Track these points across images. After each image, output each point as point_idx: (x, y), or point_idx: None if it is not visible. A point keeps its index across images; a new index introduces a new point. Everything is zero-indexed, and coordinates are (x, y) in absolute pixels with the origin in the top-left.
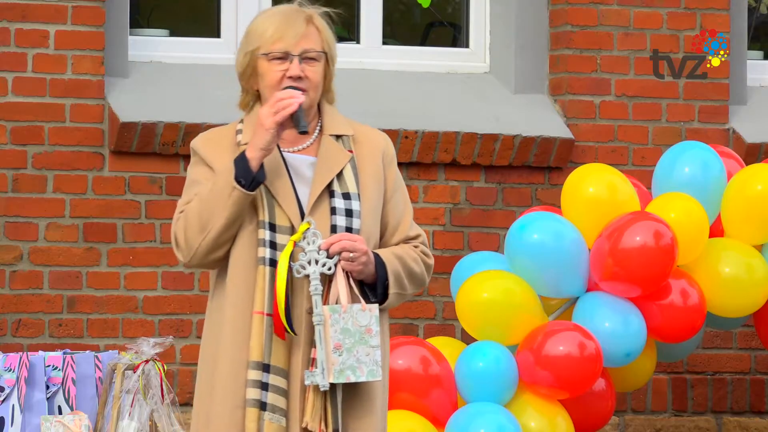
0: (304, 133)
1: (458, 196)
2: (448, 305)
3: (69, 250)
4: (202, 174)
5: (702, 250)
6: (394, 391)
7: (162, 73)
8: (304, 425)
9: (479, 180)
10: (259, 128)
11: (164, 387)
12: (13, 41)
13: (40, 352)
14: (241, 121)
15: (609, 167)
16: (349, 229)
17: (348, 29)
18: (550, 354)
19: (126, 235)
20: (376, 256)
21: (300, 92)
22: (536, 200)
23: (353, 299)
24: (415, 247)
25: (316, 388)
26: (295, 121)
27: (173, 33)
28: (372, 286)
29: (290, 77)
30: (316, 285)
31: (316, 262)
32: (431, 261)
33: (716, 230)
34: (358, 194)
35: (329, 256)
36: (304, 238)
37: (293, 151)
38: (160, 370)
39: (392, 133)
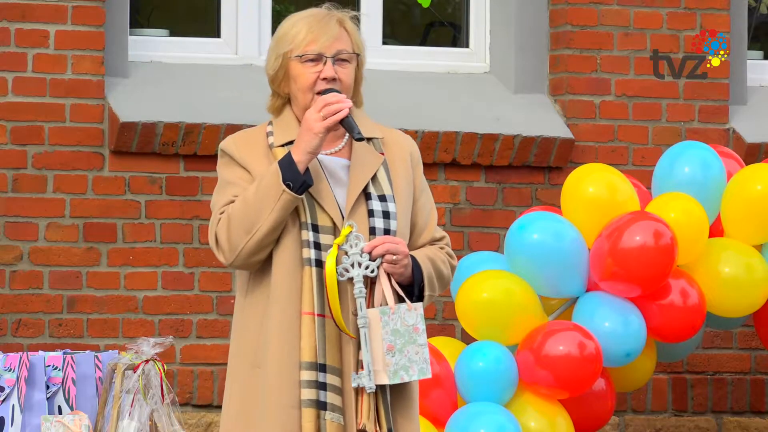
0: (360, 139)
1: (458, 196)
2: (448, 305)
3: (69, 250)
4: (237, 175)
5: (702, 250)
6: None
7: (162, 73)
8: (361, 427)
9: (479, 180)
10: (307, 132)
11: (164, 387)
12: (13, 41)
13: (40, 352)
14: (270, 123)
15: (609, 167)
16: (387, 231)
17: None
18: (550, 354)
19: (126, 235)
20: (412, 258)
21: (344, 96)
22: (536, 200)
23: (398, 300)
24: (441, 248)
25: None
26: (348, 128)
27: (173, 33)
28: (407, 288)
29: (324, 79)
30: (360, 288)
31: (359, 264)
32: (456, 263)
33: (716, 230)
34: (393, 196)
35: (372, 259)
36: (347, 241)
37: (327, 154)
38: (160, 370)
39: None
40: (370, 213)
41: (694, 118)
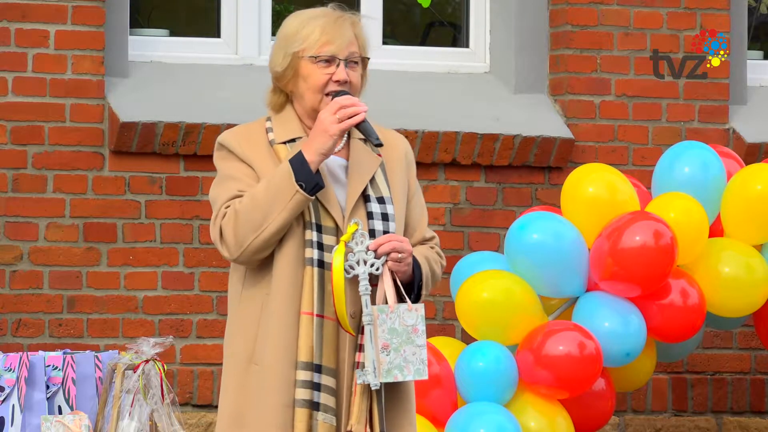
0: (379, 145)
1: (458, 196)
2: (448, 305)
3: (69, 250)
4: (239, 170)
5: (702, 250)
6: None
7: (162, 73)
8: (349, 428)
9: (479, 180)
10: (323, 134)
11: (164, 387)
12: (13, 41)
13: (40, 352)
14: (268, 119)
15: (609, 167)
16: (386, 233)
17: None
18: (550, 354)
19: (126, 235)
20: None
21: (358, 99)
22: (536, 200)
23: (399, 299)
24: (431, 248)
25: (363, 389)
26: (366, 133)
27: (173, 33)
28: (406, 287)
29: (336, 81)
30: (365, 285)
31: (365, 262)
32: (444, 262)
33: (716, 230)
34: (391, 198)
35: (377, 257)
36: (353, 238)
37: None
38: (160, 370)
39: None
40: (369, 215)
41: (694, 118)
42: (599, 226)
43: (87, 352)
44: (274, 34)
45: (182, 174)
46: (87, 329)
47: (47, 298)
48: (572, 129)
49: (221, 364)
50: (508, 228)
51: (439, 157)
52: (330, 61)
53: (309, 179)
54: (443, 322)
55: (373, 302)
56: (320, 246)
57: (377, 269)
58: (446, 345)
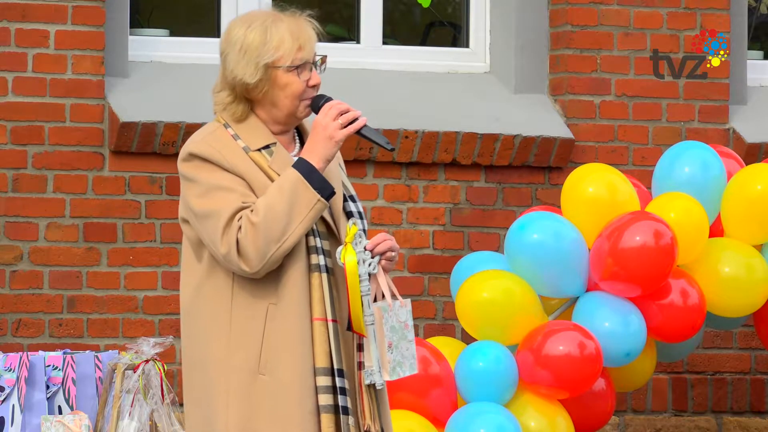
0: (392, 149)
1: (458, 196)
2: (448, 305)
3: (69, 250)
4: (229, 180)
5: (702, 250)
6: (394, 391)
7: (162, 73)
8: (366, 428)
9: (479, 180)
10: (327, 140)
11: (164, 387)
12: (13, 41)
13: (40, 352)
14: (226, 126)
15: (609, 167)
16: (364, 231)
17: (348, 29)
18: (550, 354)
19: (126, 235)
20: None
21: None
22: (536, 200)
23: (380, 297)
24: None
25: (369, 388)
26: (371, 138)
27: (173, 33)
28: None
29: (314, 86)
30: (367, 285)
31: (364, 262)
32: None
33: (716, 230)
34: (356, 195)
35: (372, 257)
36: (354, 240)
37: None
38: (160, 370)
39: (392, 133)
40: (349, 215)
41: (694, 118)
42: (599, 226)
43: (87, 352)
44: (228, 37)
45: None
46: (87, 329)
47: (47, 298)
48: (572, 129)
49: None
50: (508, 228)
51: (439, 157)
52: (305, 66)
53: (323, 186)
54: (443, 322)
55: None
56: (322, 251)
57: (374, 269)
58: (446, 345)
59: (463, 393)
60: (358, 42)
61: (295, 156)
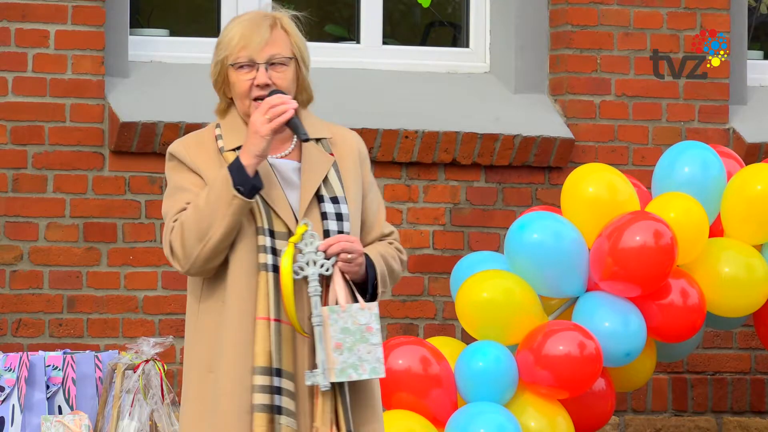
0: (306, 140)
1: (458, 196)
2: (448, 305)
3: (69, 250)
4: (188, 180)
5: (702, 249)
6: (394, 391)
7: (162, 73)
8: (314, 431)
9: (479, 180)
10: (254, 135)
11: (164, 387)
12: (13, 41)
13: (40, 352)
14: (217, 126)
15: (609, 167)
16: (340, 233)
17: (348, 29)
18: (550, 354)
19: (126, 235)
20: (366, 256)
21: (289, 97)
22: (536, 200)
23: (352, 299)
24: (390, 243)
25: (326, 390)
26: (294, 129)
27: (173, 33)
28: (360, 286)
29: (257, 86)
30: (315, 286)
31: (315, 263)
32: (405, 257)
33: (716, 230)
34: (345, 197)
35: (327, 258)
36: (302, 239)
37: (278, 157)
38: (160, 370)
39: (392, 133)
40: (324, 216)
41: (694, 118)
42: (599, 226)
43: (87, 352)
44: None
45: None
46: (87, 329)
47: (47, 298)
48: (572, 129)
49: None
50: (508, 228)
51: (439, 157)
52: (251, 65)
53: (245, 182)
54: (443, 322)
55: (326, 303)
56: (274, 251)
57: (327, 270)
58: (446, 345)
59: (463, 393)
60: (358, 42)
61: (281, 157)
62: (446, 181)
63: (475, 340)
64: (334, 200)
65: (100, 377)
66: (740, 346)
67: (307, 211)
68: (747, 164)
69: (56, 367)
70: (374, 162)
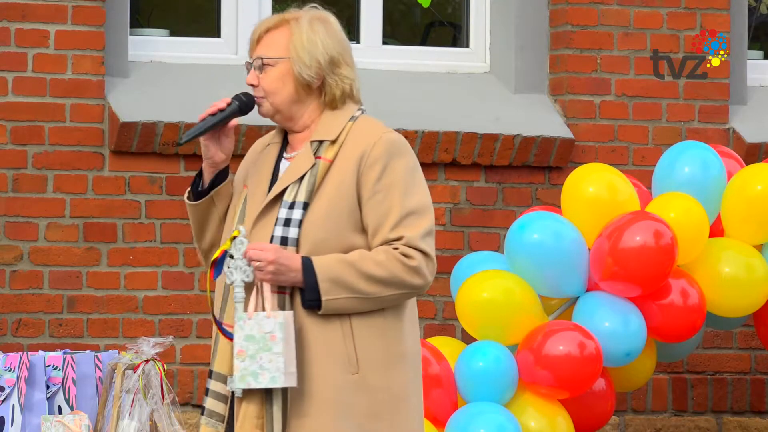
0: (179, 144)
1: (458, 196)
2: (448, 305)
3: (69, 250)
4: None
5: (702, 249)
6: None
7: (162, 73)
8: None
9: (479, 180)
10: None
11: (164, 387)
12: (13, 41)
13: (40, 352)
14: None
15: (609, 167)
16: (285, 239)
17: (348, 29)
18: (550, 354)
19: (126, 235)
20: (308, 262)
21: (230, 98)
22: (536, 200)
23: (261, 307)
24: (395, 249)
25: (251, 394)
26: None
27: (173, 33)
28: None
29: (249, 86)
30: (239, 292)
31: (239, 269)
32: (414, 263)
33: (716, 230)
34: (305, 203)
35: (249, 264)
36: (233, 245)
37: (287, 158)
38: (160, 370)
39: None
40: (277, 221)
41: (694, 118)
42: (599, 226)
43: (87, 352)
44: None
45: (182, 174)
46: (87, 329)
47: (47, 298)
48: (572, 129)
49: None
50: (508, 228)
51: (439, 157)
52: (248, 66)
53: (195, 187)
54: (443, 322)
55: (257, 309)
56: None
57: (247, 276)
58: (446, 345)
59: (463, 393)
60: (358, 42)
61: (289, 158)
62: (446, 181)
63: (475, 340)
64: (291, 205)
65: (100, 377)
66: (740, 346)
67: (264, 213)
68: (747, 164)
69: (56, 367)
70: None
